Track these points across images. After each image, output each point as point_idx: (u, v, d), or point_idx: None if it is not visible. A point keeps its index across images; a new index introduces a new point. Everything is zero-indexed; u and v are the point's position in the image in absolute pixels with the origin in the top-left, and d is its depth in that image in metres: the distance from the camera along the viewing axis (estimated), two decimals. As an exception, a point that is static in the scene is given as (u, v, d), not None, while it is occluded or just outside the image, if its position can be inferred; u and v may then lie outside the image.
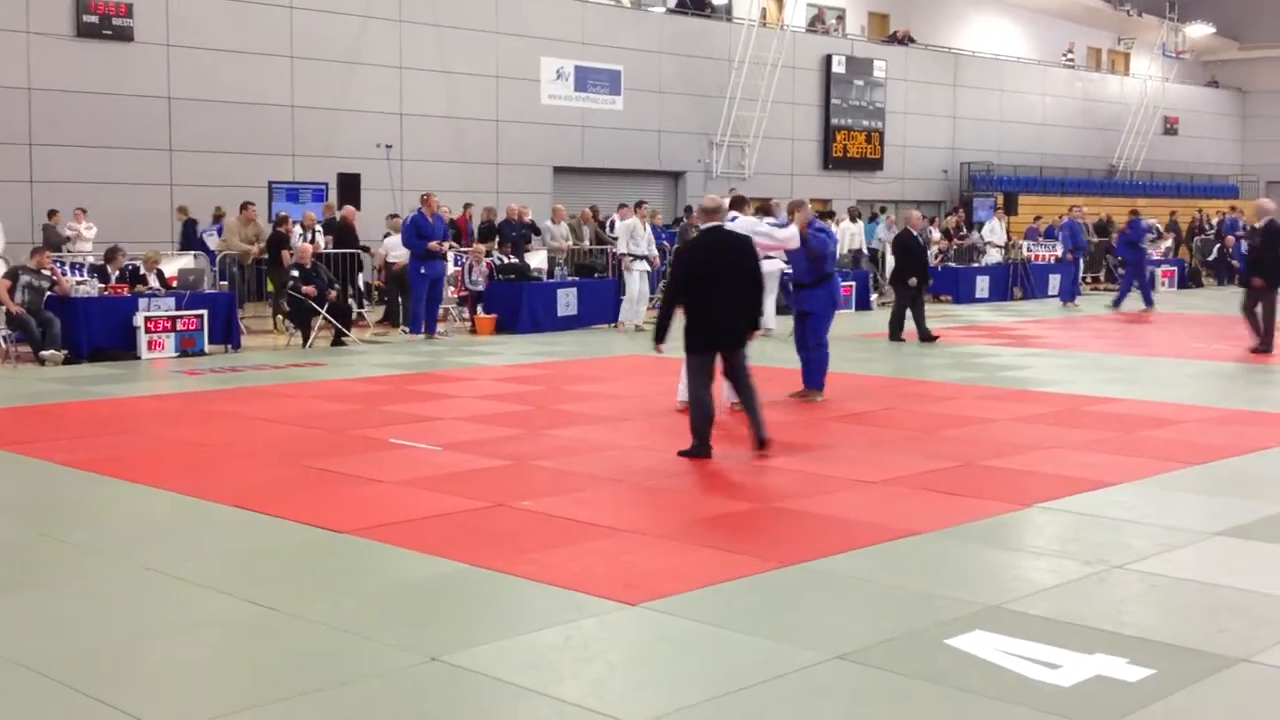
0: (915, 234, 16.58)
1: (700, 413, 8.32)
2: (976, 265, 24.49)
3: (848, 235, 23.91)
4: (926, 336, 15.99)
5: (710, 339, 8.31)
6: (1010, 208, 29.66)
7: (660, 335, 8.46)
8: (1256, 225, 15.51)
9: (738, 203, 11.11)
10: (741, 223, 10.49)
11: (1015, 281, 24.43)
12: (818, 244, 11.09)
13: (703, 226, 8.72)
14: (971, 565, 5.89)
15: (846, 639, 4.80)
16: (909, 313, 16.12)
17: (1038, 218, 28.90)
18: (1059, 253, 24.64)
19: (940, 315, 20.60)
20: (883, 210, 27.50)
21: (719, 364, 8.49)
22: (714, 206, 8.70)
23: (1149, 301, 21.30)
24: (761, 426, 8.36)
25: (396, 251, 18.01)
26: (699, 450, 8.29)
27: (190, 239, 19.43)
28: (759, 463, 8.19)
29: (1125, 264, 22.41)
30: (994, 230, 25.97)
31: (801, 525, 6.60)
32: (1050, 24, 39.78)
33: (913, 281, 16.03)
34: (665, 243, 20.42)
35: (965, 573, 5.76)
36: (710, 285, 8.21)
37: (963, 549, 6.13)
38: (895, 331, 16.11)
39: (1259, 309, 14.81)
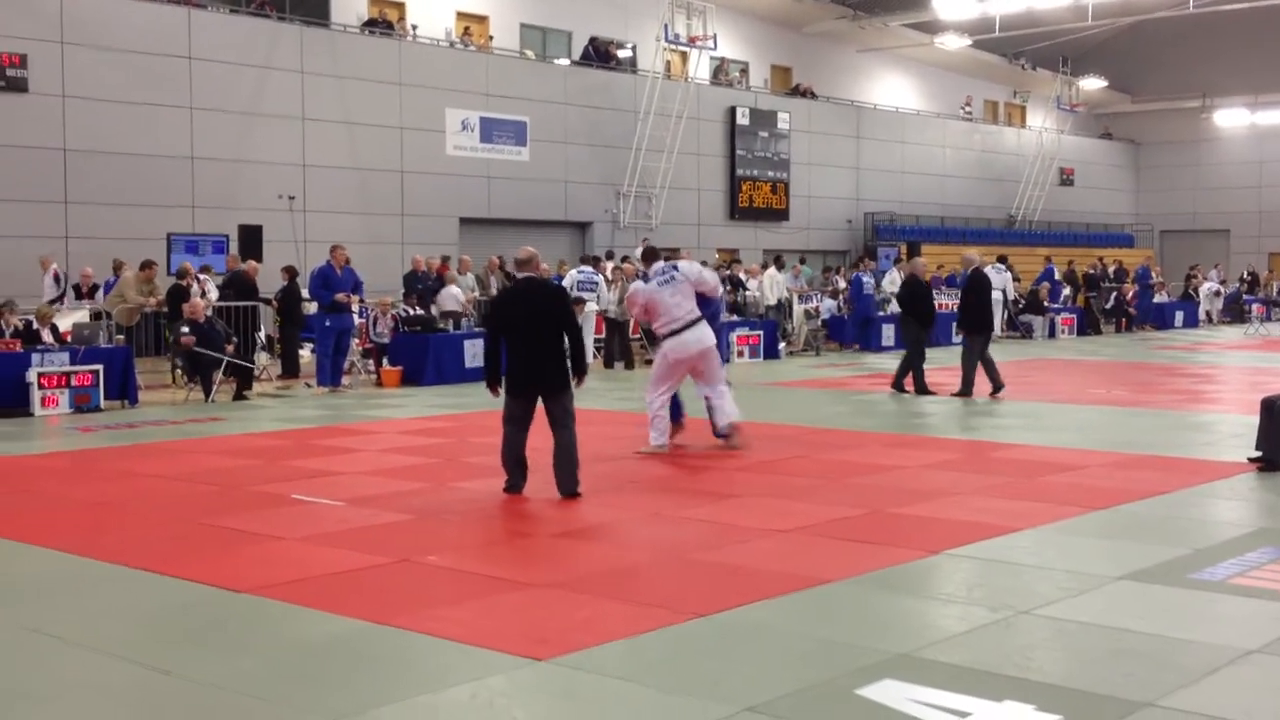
0: (921, 281, 16.26)
1: (507, 452, 8.73)
2: (882, 314, 24.80)
3: (771, 284, 24.08)
4: (900, 388, 15.57)
5: (522, 384, 8.68)
6: (913, 257, 30.18)
7: (490, 380, 8.84)
8: (964, 275, 16.01)
9: (651, 255, 11.17)
10: (686, 267, 10.72)
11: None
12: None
13: (518, 275, 9.10)
14: (881, 613, 5.88)
15: (757, 690, 4.75)
16: (914, 362, 15.68)
17: (940, 266, 29.43)
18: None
19: (847, 363, 20.83)
20: (803, 260, 27.82)
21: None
22: (527, 257, 9.06)
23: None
24: (568, 481, 8.60)
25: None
26: (511, 485, 8.73)
27: None
28: (668, 512, 8.15)
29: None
30: (894, 281, 26.36)
31: (712, 575, 6.55)
32: (947, 78, 40.82)
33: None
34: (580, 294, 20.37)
35: (875, 621, 5.74)
36: (521, 333, 8.64)
37: (872, 597, 6.12)
38: (900, 379, 15.66)
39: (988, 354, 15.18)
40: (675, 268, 10.80)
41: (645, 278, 11.00)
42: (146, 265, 17.68)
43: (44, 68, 20.33)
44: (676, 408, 11.09)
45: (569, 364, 8.81)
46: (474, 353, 17.90)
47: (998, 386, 15.03)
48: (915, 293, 16.02)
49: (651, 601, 6.00)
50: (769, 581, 6.32)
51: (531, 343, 8.61)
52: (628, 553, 7.15)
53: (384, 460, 10.50)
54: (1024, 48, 39.93)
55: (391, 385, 17.10)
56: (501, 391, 8.80)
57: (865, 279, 24.26)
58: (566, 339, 8.75)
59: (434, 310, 19.23)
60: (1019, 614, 5.72)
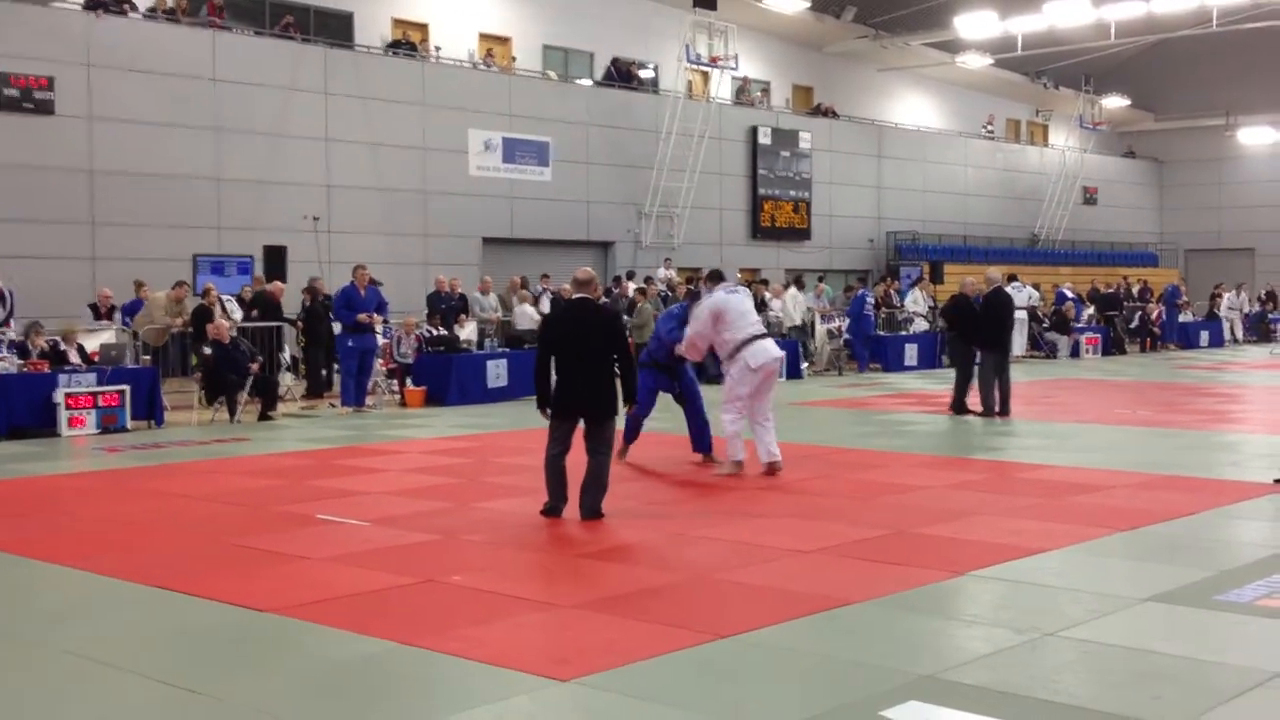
0: (969, 299, 15.89)
1: (548, 472, 8.63)
2: (904, 334, 24.77)
3: (794, 303, 24.06)
4: (961, 409, 15.29)
5: (568, 406, 8.56)
6: (936, 276, 30.15)
7: (540, 402, 8.68)
8: (985, 292, 15.79)
9: (718, 276, 11.17)
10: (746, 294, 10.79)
11: (943, 349, 24.69)
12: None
13: (573, 296, 8.97)
14: (905, 634, 5.86)
15: (781, 712, 4.74)
16: (992, 380, 15.21)
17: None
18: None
19: (870, 383, 20.79)
20: (822, 279, 27.81)
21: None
22: (585, 279, 8.93)
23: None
24: (592, 505, 8.53)
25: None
26: (550, 508, 8.60)
27: None
28: (692, 532, 8.14)
29: None
30: (916, 300, 26.34)
31: (735, 596, 6.54)
32: (969, 97, 40.80)
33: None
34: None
35: (899, 642, 5.72)
36: (571, 355, 8.52)
37: (896, 618, 6.10)
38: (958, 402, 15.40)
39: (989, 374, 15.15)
40: (737, 289, 10.95)
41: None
42: (177, 285, 17.81)
43: (70, 90, 20.52)
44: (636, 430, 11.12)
45: (617, 389, 8.67)
46: (497, 373, 17.97)
47: (1002, 409, 14.97)
48: (963, 312, 15.87)
49: (675, 622, 6.00)
50: (793, 602, 6.31)
51: (579, 365, 8.50)
52: (652, 573, 7.13)
53: (408, 480, 10.53)
54: (1046, 66, 39.89)
55: (415, 405, 17.15)
56: (548, 412, 8.66)
57: (868, 297, 24.14)
58: (618, 364, 8.65)
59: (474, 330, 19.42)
60: (1045, 636, 5.70)
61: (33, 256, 19.78)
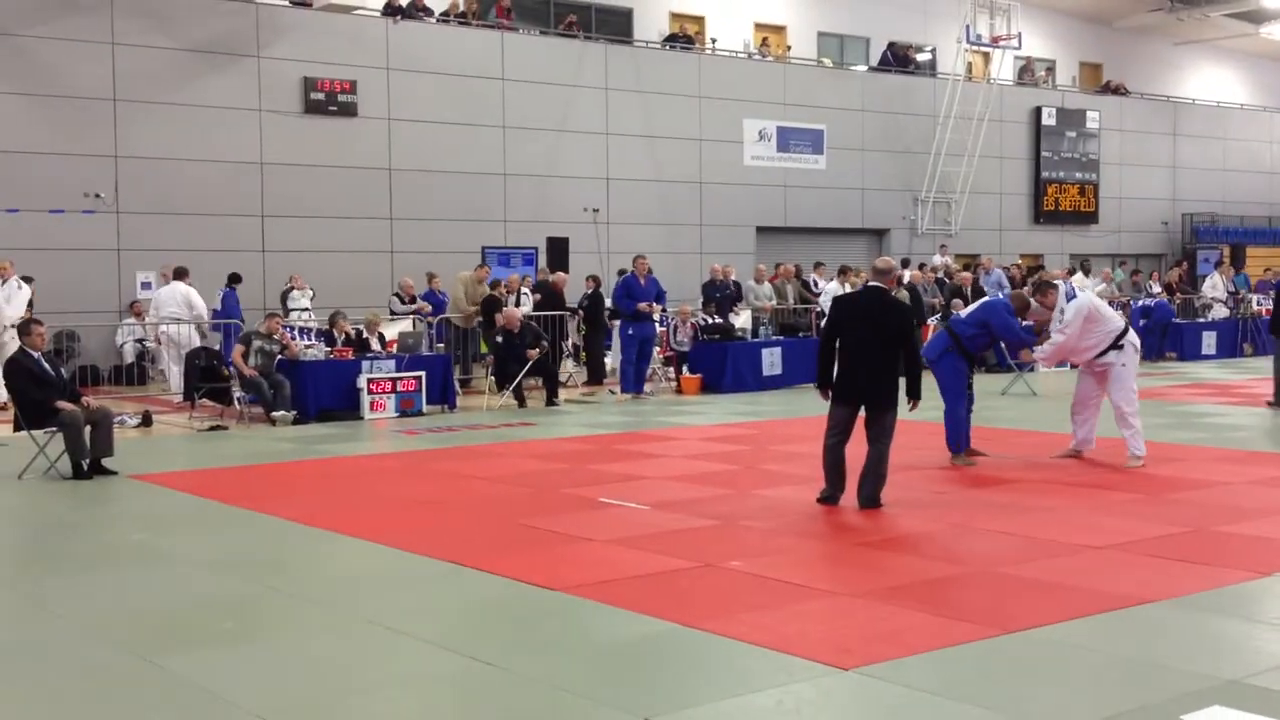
0: None
1: (827, 460, 8.61)
2: (1202, 320, 23.42)
3: (1080, 290, 23.12)
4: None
5: (847, 392, 8.55)
6: (1237, 260, 28.31)
7: (821, 382, 8.74)
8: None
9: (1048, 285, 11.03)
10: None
11: (1245, 337, 23.21)
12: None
13: (869, 283, 8.98)
14: (1207, 636, 5.57)
15: (1072, 713, 4.60)
16: None
17: (1268, 269, 27.46)
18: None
19: (1162, 372, 19.76)
20: (1122, 264, 26.52)
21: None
22: (885, 268, 8.98)
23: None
24: (870, 494, 8.45)
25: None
26: (826, 496, 8.60)
27: None
28: (973, 524, 7.97)
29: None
30: (1215, 285, 24.83)
31: (1022, 591, 6.37)
32: (1276, 69, 38.01)
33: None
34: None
35: (1200, 644, 5.45)
36: (855, 342, 8.51)
37: (1196, 619, 5.81)
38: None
39: None
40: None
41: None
42: (478, 268, 18.76)
43: (371, 92, 21.78)
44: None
45: (901, 382, 8.55)
46: (771, 361, 18.03)
47: None
48: None
49: (959, 615, 5.90)
50: (1084, 599, 6.10)
51: (861, 353, 8.48)
52: (933, 564, 7.03)
53: (686, 466, 10.70)
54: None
55: (691, 392, 17.39)
56: (829, 393, 8.67)
57: (1153, 287, 22.93)
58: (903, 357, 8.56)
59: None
60: (1366, 645, 5.31)
61: (338, 250, 21.13)
